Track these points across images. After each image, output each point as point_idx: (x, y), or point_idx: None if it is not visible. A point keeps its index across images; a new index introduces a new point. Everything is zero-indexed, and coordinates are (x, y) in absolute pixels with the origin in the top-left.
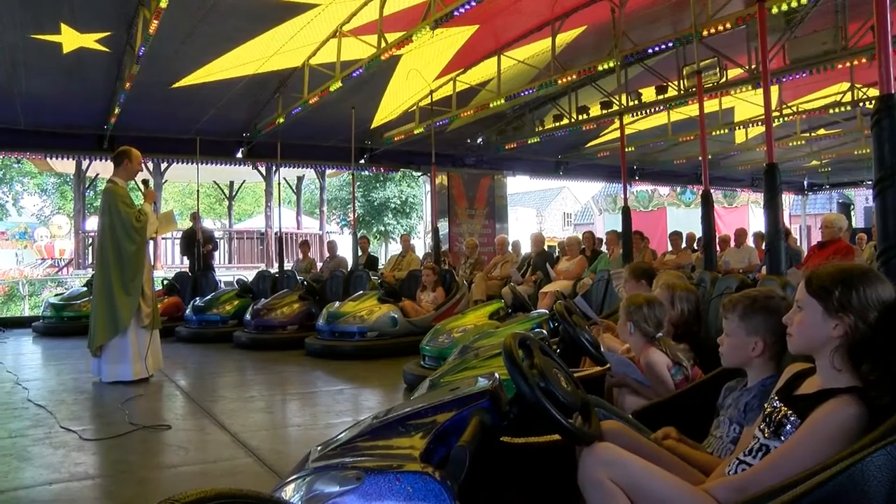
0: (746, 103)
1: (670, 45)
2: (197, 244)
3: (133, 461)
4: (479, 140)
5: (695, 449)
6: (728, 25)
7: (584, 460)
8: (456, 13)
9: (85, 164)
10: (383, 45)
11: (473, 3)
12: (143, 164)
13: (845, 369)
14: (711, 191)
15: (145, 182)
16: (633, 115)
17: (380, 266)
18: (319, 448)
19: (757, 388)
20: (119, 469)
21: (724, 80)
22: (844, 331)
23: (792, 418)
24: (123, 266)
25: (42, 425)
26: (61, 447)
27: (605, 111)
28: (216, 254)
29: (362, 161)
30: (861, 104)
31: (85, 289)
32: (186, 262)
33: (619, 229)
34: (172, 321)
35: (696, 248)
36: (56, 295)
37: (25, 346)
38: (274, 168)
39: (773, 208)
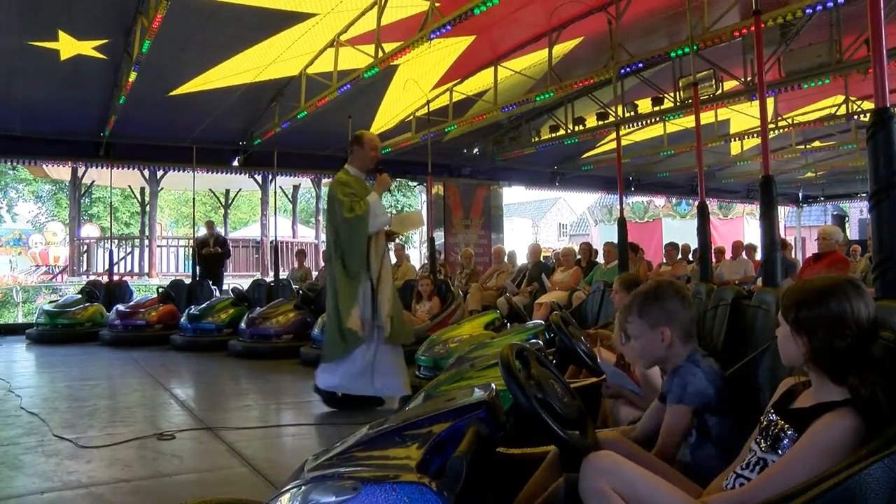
0: (742, 115)
1: (667, 56)
2: (210, 244)
3: (128, 470)
4: (476, 150)
5: None
6: (724, 38)
7: (584, 470)
8: (450, 27)
9: (81, 171)
10: (380, 54)
11: (470, 14)
12: (378, 150)
13: (825, 382)
14: (707, 202)
15: (380, 170)
16: (629, 127)
17: None
18: (315, 457)
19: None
20: (113, 478)
21: (720, 92)
22: (807, 348)
23: (789, 432)
24: (343, 260)
25: (35, 433)
26: (54, 455)
27: (601, 122)
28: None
29: None
30: (855, 117)
31: (79, 296)
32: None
33: (615, 240)
34: (167, 329)
35: (691, 259)
36: (50, 302)
37: (19, 354)
38: (270, 177)
39: (769, 220)
